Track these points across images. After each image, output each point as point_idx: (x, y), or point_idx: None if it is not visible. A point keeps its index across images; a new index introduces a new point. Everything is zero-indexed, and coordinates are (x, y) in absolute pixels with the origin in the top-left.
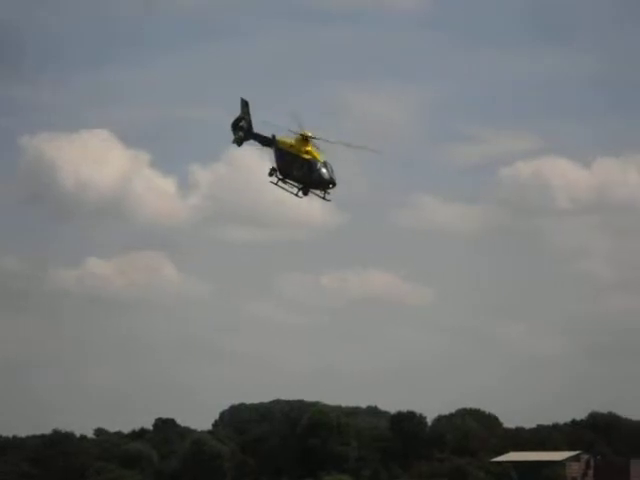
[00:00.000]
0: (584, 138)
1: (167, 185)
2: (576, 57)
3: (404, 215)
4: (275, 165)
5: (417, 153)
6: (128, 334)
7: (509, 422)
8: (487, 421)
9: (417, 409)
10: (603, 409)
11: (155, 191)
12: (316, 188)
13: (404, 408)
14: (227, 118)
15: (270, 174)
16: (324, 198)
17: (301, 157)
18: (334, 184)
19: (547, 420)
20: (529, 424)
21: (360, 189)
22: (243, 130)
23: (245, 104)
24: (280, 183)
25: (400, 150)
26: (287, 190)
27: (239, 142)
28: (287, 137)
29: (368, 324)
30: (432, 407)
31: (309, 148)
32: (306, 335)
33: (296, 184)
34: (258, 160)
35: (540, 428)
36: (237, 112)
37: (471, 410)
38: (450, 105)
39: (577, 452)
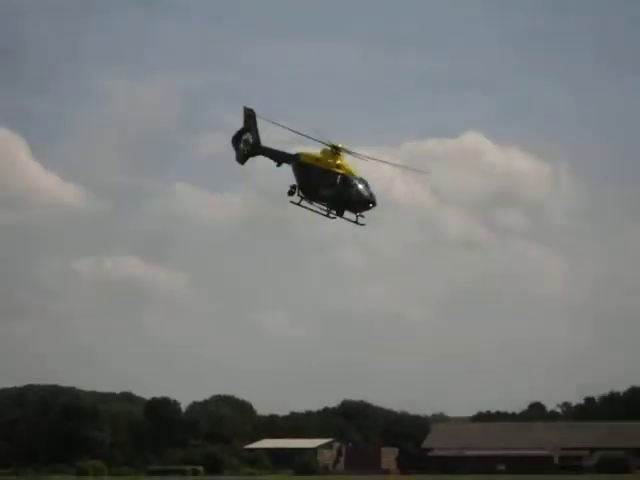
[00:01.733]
0: (347, 125)
1: None
2: (343, 47)
3: (162, 203)
4: (296, 182)
5: (176, 142)
6: None
7: (263, 409)
8: (241, 408)
9: (171, 395)
10: (355, 397)
11: None
12: (351, 208)
13: (158, 394)
14: None
15: (290, 193)
16: (357, 222)
17: (332, 171)
18: (374, 203)
19: (300, 408)
20: (283, 412)
21: (119, 177)
22: (249, 145)
23: (250, 113)
24: (304, 203)
25: (160, 138)
26: (315, 211)
27: (243, 159)
28: (311, 150)
29: (124, 310)
30: (186, 393)
31: (340, 161)
32: (61, 319)
33: (325, 204)
34: (12, 141)
35: (293, 415)
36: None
37: (225, 397)
38: (204, 93)
39: (329, 440)
